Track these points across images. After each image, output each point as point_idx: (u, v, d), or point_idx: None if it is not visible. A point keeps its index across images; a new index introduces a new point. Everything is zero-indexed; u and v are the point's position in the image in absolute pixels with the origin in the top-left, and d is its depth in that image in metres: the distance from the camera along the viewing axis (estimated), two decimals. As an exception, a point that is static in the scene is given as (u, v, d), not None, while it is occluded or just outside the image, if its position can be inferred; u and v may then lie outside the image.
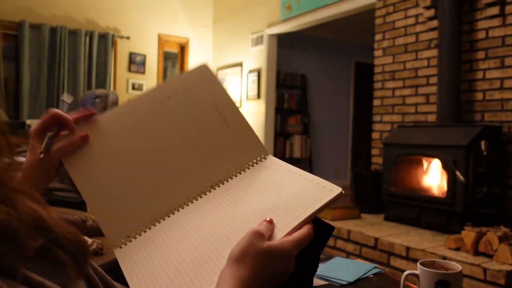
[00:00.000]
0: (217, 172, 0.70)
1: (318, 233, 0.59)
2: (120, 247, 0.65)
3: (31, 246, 0.36)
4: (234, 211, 0.63)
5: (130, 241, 0.66)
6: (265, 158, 0.73)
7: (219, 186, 0.71)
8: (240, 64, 5.79)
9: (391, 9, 3.63)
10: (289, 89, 6.47)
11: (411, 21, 3.46)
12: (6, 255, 0.32)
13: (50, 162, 0.68)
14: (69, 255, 0.38)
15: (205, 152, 0.71)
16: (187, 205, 0.69)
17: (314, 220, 0.59)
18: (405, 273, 0.85)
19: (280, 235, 0.55)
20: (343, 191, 0.59)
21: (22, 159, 0.67)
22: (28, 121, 3.52)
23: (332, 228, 0.60)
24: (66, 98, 0.66)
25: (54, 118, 0.68)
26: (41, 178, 0.68)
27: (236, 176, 0.72)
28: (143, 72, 5.94)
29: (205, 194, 0.70)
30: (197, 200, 0.69)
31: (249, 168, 0.72)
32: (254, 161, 0.73)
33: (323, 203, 0.58)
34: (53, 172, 0.69)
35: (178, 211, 0.69)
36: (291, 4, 4.89)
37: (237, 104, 5.78)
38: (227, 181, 0.71)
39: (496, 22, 2.90)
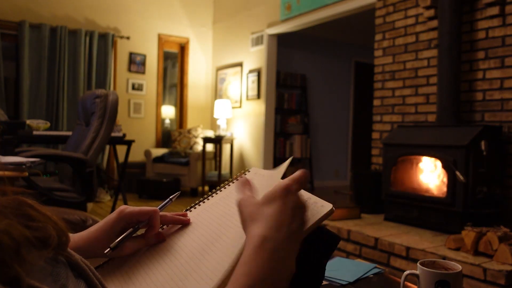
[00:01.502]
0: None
1: (324, 243, 0.58)
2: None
3: (42, 255, 0.36)
4: (219, 228, 0.62)
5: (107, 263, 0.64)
6: (248, 171, 0.73)
7: (203, 202, 0.70)
8: (240, 64, 5.79)
9: (391, 9, 3.63)
10: (289, 89, 6.48)
11: (411, 21, 3.46)
12: (8, 264, 0.32)
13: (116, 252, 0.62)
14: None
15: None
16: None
17: (320, 229, 0.57)
18: (405, 273, 0.85)
19: None
20: (333, 208, 0.57)
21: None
22: (28, 121, 3.51)
23: (338, 238, 0.59)
24: (173, 197, 0.62)
25: (150, 217, 0.64)
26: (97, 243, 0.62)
27: (221, 190, 0.71)
28: (143, 72, 5.94)
29: (190, 210, 0.70)
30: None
31: (233, 182, 0.72)
32: (238, 174, 0.73)
33: (316, 219, 0.56)
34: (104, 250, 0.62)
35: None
36: (291, 4, 4.89)
37: (237, 104, 5.82)
38: (212, 196, 0.71)
39: (496, 22, 2.90)
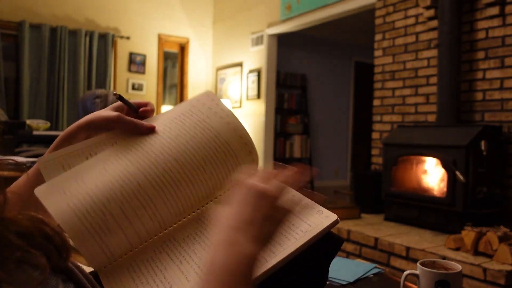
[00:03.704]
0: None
1: (327, 245, 0.58)
2: None
3: (12, 257, 0.35)
4: None
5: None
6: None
7: (211, 201, 0.66)
8: (240, 64, 5.79)
9: (391, 9, 3.63)
10: (289, 89, 6.47)
11: (411, 21, 3.46)
12: None
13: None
14: (54, 246, 0.38)
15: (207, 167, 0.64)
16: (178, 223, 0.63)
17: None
18: (405, 273, 0.85)
19: (276, 260, 0.51)
20: (338, 219, 0.56)
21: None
22: (28, 121, 3.51)
23: (341, 240, 0.58)
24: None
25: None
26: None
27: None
28: (143, 72, 5.94)
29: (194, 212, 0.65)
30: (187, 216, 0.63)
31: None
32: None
33: (319, 229, 0.54)
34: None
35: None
36: (291, 4, 4.89)
37: (237, 104, 5.81)
38: (216, 198, 0.66)
39: (496, 22, 2.90)
